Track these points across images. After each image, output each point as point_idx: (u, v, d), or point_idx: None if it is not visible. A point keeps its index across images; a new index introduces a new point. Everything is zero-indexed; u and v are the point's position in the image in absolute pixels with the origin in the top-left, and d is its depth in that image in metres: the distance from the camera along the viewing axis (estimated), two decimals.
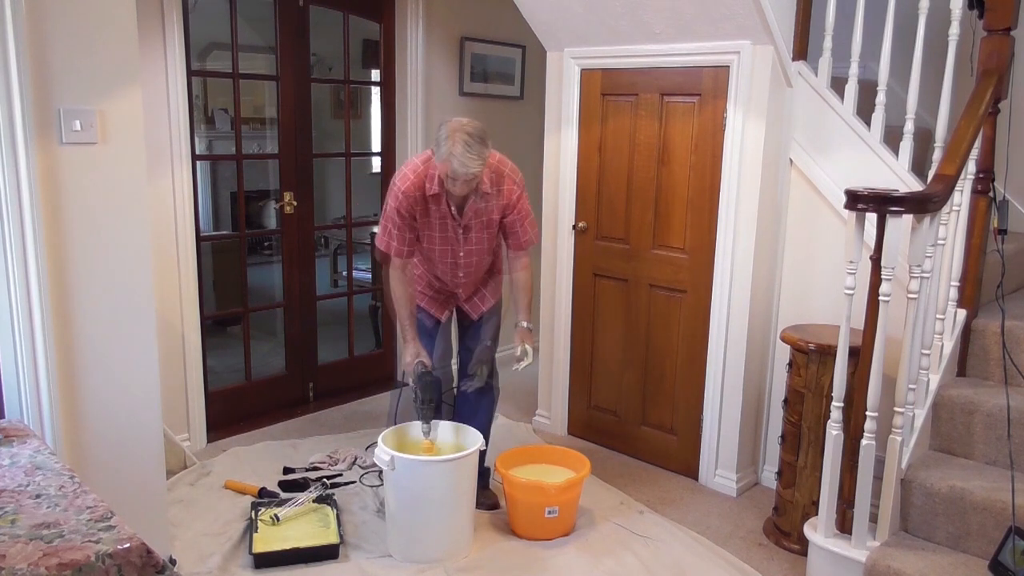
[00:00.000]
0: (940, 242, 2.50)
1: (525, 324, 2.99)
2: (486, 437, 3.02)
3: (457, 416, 3.08)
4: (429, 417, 2.83)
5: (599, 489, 3.26)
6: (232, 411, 3.83)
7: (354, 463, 3.41)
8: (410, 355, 2.93)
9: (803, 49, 3.08)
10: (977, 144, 2.63)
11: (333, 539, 2.72)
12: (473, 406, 3.08)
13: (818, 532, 2.54)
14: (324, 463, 3.38)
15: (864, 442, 2.42)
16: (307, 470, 3.33)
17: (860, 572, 2.40)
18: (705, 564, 2.73)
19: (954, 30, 2.71)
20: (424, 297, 3.11)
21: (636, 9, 3.10)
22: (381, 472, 2.89)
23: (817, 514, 2.57)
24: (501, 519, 2.99)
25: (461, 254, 2.99)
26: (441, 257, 3.00)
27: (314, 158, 4.01)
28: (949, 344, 2.72)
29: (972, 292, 2.79)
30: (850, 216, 2.37)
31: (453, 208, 2.88)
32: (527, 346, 2.96)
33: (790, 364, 2.87)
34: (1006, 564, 2.22)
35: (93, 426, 2.22)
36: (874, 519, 2.50)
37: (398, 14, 4.14)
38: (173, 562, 2.55)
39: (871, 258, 2.41)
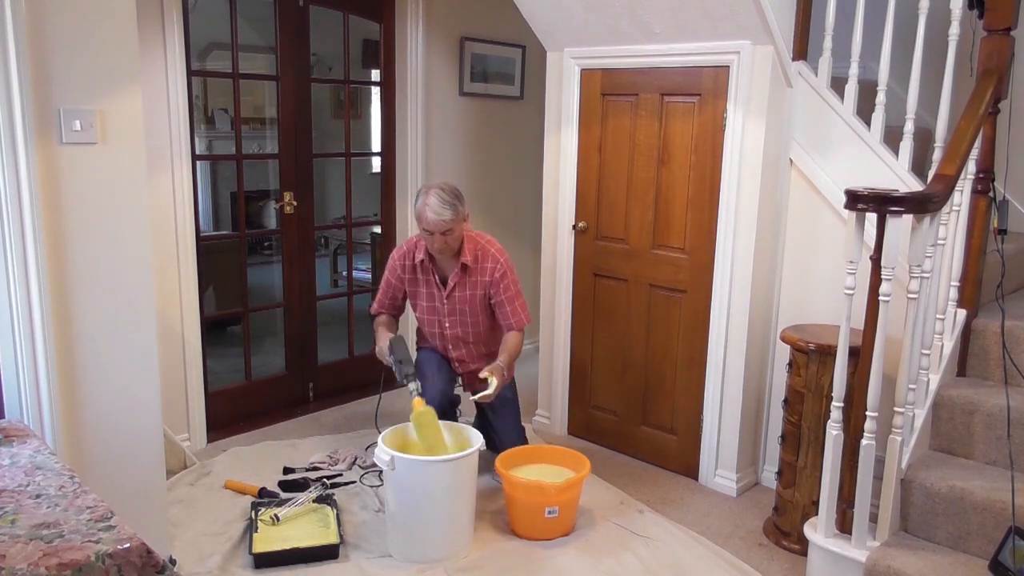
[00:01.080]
0: (940, 242, 2.50)
1: (500, 361, 3.05)
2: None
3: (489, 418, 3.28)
4: (411, 374, 2.86)
5: (599, 489, 3.26)
6: (232, 411, 3.83)
7: (354, 463, 3.41)
8: (381, 340, 3.08)
9: (803, 49, 3.08)
10: (977, 144, 2.63)
11: (333, 539, 2.72)
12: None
13: (818, 532, 2.54)
14: (324, 463, 3.38)
15: (864, 442, 2.42)
16: (307, 470, 3.33)
17: (860, 572, 2.40)
18: (705, 564, 2.73)
19: (954, 30, 2.71)
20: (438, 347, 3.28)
21: (636, 9, 3.10)
22: (381, 472, 2.89)
23: (817, 514, 2.57)
24: (501, 519, 2.99)
25: (447, 324, 3.17)
26: (430, 327, 3.24)
27: (314, 158, 4.01)
28: (949, 344, 2.72)
29: (972, 292, 2.79)
30: (850, 216, 2.37)
31: (437, 278, 3.12)
32: (493, 378, 2.96)
33: (790, 364, 2.87)
34: (1006, 564, 2.22)
35: (93, 426, 2.22)
36: (874, 519, 2.50)
37: (398, 14, 4.14)
38: (173, 562, 2.55)
39: (871, 258, 2.41)
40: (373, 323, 3.28)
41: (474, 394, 3.01)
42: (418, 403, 2.80)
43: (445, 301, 3.12)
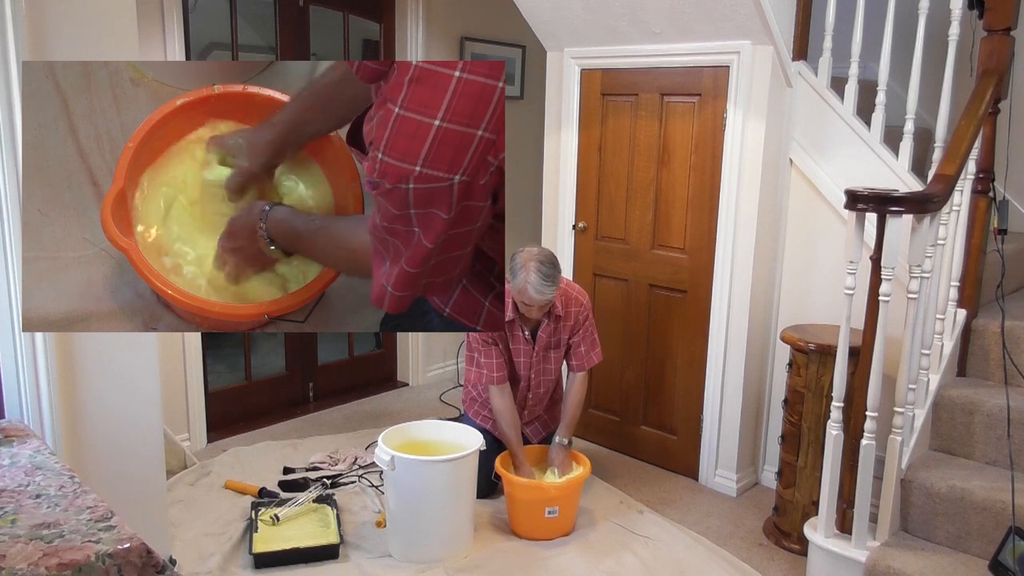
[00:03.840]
0: (940, 242, 2.50)
1: (565, 441, 3.01)
2: None
3: None
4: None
5: (599, 489, 3.26)
6: (232, 411, 3.83)
7: (354, 463, 3.41)
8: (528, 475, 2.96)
9: (803, 49, 3.08)
10: (977, 144, 2.63)
11: (333, 539, 2.72)
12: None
13: (818, 532, 2.54)
14: (324, 463, 3.38)
15: (864, 442, 2.43)
16: (307, 470, 3.33)
17: (860, 572, 2.41)
18: (705, 564, 2.73)
19: (954, 30, 2.71)
20: (489, 420, 3.17)
21: (636, 9, 3.10)
22: (381, 472, 2.89)
23: (817, 514, 2.57)
24: (501, 519, 2.99)
25: (532, 375, 3.10)
26: (514, 381, 3.12)
27: None
28: (949, 344, 2.72)
29: (972, 292, 2.79)
30: (850, 216, 2.38)
31: (527, 332, 3.03)
32: (555, 469, 2.96)
33: (790, 364, 2.87)
34: (1006, 564, 2.22)
35: (93, 426, 2.22)
36: (874, 519, 2.50)
37: (398, 14, 4.14)
38: (173, 562, 2.55)
39: (871, 258, 2.41)
40: (493, 402, 3.02)
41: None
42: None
43: (534, 357, 3.06)
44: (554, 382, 3.18)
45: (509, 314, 2.97)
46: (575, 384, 3.11)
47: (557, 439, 3.02)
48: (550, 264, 2.82)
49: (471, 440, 2.79)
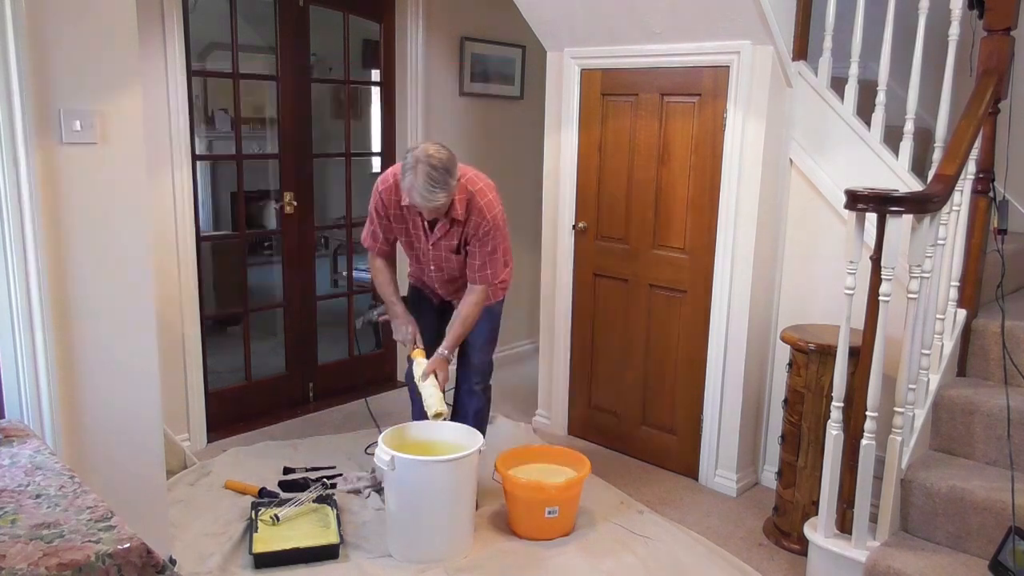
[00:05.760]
0: (940, 242, 2.50)
1: (445, 352, 2.91)
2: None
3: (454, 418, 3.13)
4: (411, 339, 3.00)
5: (599, 489, 3.26)
6: (232, 411, 3.83)
7: (372, 474, 3.37)
8: (404, 332, 3.01)
9: (803, 49, 3.08)
10: (977, 144, 2.63)
11: (333, 539, 2.72)
12: (464, 411, 3.14)
13: (818, 532, 2.54)
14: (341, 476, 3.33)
15: (864, 442, 2.43)
16: (307, 470, 3.33)
17: (860, 572, 2.40)
18: (705, 564, 2.72)
19: (954, 30, 2.71)
20: (421, 281, 3.15)
21: (636, 9, 3.10)
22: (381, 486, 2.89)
23: (817, 514, 2.57)
24: (501, 519, 2.99)
25: (432, 267, 3.02)
26: (415, 264, 3.10)
27: (314, 158, 4.01)
28: (949, 344, 2.72)
29: (972, 292, 2.79)
30: (850, 216, 2.38)
31: (425, 223, 2.88)
32: (435, 378, 2.87)
33: (790, 364, 2.87)
34: (1006, 564, 2.22)
35: (93, 426, 2.22)
36: (874, 519, 2.50)
37: (398, 14, 4.14)
38: (173, 562, 2.55)
39: (871, 258, 2.41)
40: (368, 259, 3.07)
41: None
42: (419, 354, 2.92)
43: (431, 248, 2.92)
44: (463, 277, 3.00)
45: (407, 199, 2.74)
46: (468, 297, 2.90)
47: (438, 350, 2.91)
48: (443, 169, 2.57)
49: (471, 440, 2.79)
